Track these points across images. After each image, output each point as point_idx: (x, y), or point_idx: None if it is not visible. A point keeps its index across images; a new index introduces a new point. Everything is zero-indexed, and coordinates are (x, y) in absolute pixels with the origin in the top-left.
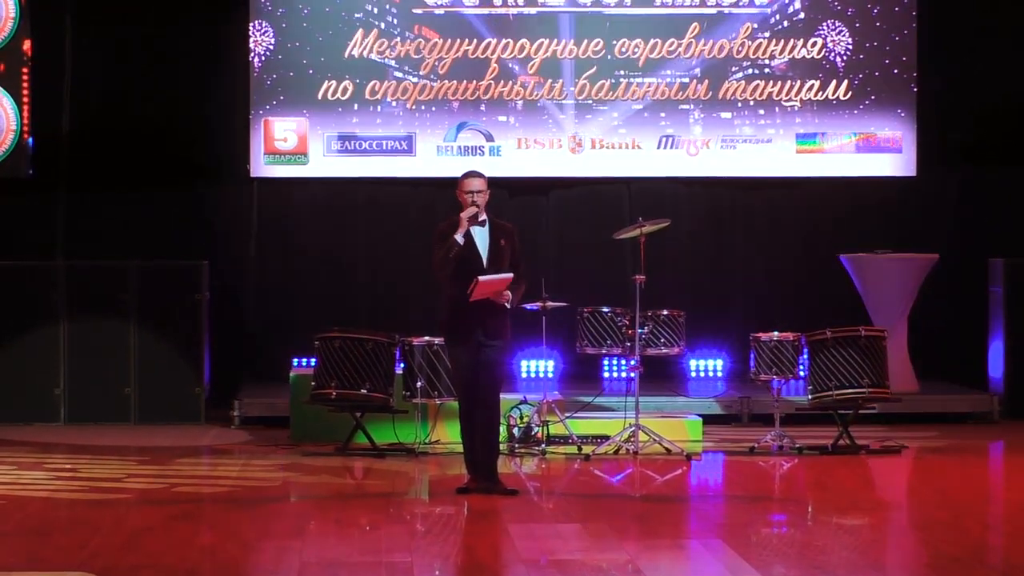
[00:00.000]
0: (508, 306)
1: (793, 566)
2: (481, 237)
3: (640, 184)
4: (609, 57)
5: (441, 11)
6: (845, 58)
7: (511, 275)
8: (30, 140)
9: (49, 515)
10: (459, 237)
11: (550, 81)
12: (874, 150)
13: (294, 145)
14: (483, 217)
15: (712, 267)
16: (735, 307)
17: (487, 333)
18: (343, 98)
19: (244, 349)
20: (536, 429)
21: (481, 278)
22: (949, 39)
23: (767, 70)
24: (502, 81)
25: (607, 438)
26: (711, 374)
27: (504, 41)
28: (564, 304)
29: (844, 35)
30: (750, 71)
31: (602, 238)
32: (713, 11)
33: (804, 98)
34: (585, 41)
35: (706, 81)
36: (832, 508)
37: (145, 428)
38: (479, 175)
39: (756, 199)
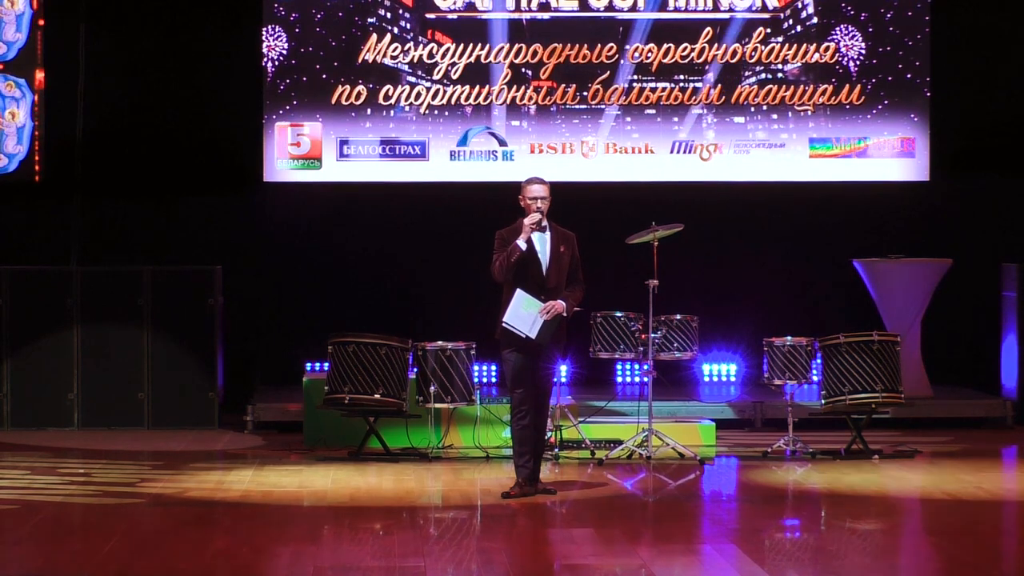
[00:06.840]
0: (566, 315)
1: (806, 571)
2: (542, 243)
3: (653, 189)
4: (622, 62)
5: (454, 16)
6: (858, 63)
7: (564, 304)
8: (44, 146)
9: (63, 520)
10: (521, 243)
11: (563, 86)
12: (887, 155)
13: (307, 150)
14: (544, 223)
15: (725, 272)
16: (748, 312)
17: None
18: (356, 103)
19: (257, 354)
20: (549, 434)
21: (544, 317)
22: (963, 43)
23: (780, 75)
24: (515, 86)
25: (620, 443)
26: (724, 379)
27: (517, 46)
28: (577, 309)
29: (857, 40)
30: (763, 76)
31: (615, 243)
32: (726, 16)
33: (817, 103)
34: (598, 46)
35: (719, 86)
36: (845, 513)
37: (159, 433)
38: (542, 181)
39: (769, 204)
